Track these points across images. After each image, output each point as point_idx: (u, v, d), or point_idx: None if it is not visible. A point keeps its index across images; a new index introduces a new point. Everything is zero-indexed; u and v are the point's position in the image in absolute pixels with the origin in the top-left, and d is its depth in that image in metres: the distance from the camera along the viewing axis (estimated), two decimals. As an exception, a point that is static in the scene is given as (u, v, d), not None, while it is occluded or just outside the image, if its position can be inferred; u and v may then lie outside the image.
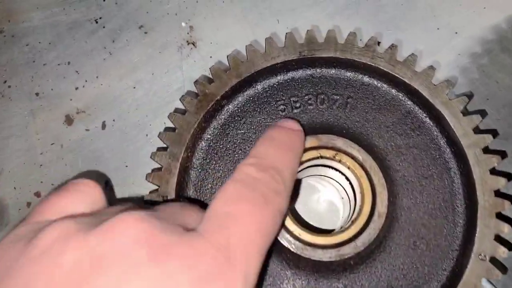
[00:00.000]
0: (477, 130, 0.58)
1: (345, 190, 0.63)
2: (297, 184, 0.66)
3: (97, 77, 0.70)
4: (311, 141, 0.58)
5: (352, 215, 0.58)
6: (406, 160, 0.59)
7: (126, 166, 0.68)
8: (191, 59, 0.71)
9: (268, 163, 0.46)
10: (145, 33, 0.74)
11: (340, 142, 0.58)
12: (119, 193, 0.67)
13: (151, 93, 0.70)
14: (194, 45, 0.74)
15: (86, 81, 0.71)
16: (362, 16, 0.72)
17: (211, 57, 0.71)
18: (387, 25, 0.72)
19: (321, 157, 0.58)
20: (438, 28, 0.72)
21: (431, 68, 0.60)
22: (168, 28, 0.75)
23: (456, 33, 0.72)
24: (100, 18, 0.74)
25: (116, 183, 0.68)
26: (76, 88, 0.71)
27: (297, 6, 0.75)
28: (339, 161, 0.58)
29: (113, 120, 0.70)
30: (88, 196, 0.41)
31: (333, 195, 0.68)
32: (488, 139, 0.57)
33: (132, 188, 0.67)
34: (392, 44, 0.61)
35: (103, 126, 0.69)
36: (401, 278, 0.55)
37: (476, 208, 0.55)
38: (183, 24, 0.76)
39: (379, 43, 0.63)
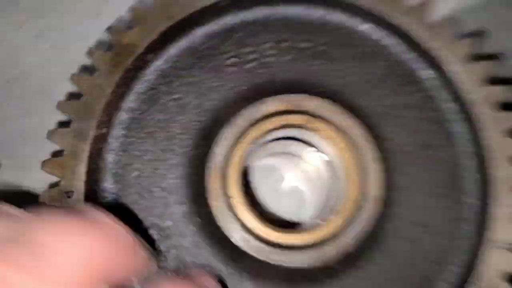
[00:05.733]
0: (490, 80, 0.44)
1: (318, 170, 0.48)
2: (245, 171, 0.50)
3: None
4: (273, 104, 0.42)
5: (333, 203, 0.44)
6: (399, 124, 0.45)
7: (26, 143, 0.55)
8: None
9: None
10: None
11: (313, 104, 0.42)
12: (13, 178, 0.54)
13: (60, 46, 0.56)
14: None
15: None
16: None
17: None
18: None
19: (287, 126, 0.42)
20: None
21: (425, 4, 0.46)
22: None
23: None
24: None
25: (10, 165, 0.54)
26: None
27: None
28: (313, 130, 0.42)
29: (7, 82, 0.56)
30: None
31: (298, 178, 0.52)
32: (506, 91, 0.44)
33: (31, 175, 0.51)
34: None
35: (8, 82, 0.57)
36: (400, 280, 0.42)
37: (491, 183, 0.42)
38: None
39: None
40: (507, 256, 0.42)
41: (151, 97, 0.45)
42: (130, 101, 0.44)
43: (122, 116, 0.44)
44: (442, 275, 0.43)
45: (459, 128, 0.46)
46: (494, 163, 0.44)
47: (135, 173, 0.44)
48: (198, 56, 0.46)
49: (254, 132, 0.42)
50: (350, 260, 0.41)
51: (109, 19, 0.55)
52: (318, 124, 0.42)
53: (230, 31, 0.46)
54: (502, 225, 0.42)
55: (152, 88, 0.45)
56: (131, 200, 0.43)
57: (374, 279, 0.42)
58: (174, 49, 0.45)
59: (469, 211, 0.44)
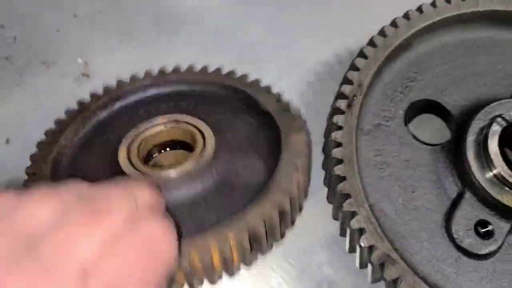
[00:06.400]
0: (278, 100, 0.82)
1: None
2: None
3: (5, 102, 0.90)
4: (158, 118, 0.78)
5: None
6: (236, 128, 0.79)
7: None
8: (85, 88, 0.90)
9: None
10: (48, 67, 0.94)
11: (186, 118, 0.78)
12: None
13: (51, 115, 0.85)
14: (88, 76, 0.93)
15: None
16: (220, 54, 0.97)
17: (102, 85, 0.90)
18: (240, 60, 0.95)
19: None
20: (280, 63, 0.96)
21: (244, 75, 0.87)
22: (67, 63, 0.93)
23: (296, 66, 0.96)
24: (10, 55, 0.95)
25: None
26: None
27: (176, 49, 0.99)
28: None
29: (17, 137, 0.86)
30: None
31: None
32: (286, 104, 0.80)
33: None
34: (204, 66, 0.89)
35: (7, 141, 0.86)
36: (231, 177, 0.71)
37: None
38: (79, 60, 0.97)
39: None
40: (283, 194, 0.66)
41: (97, 130, 0.81)
42: (84, 132, 0.81)
43: (78, 139, 0.80)
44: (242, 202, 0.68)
45: (267, 129, 0.79)
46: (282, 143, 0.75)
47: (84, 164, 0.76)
48: (124, 113, 0.84)
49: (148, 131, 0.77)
50: (201, 168, 0.70)
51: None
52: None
53: (144, 102, 0.86)
54: (282, 175, 0.68)
55: (99, 125, 0.82)
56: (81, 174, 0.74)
57: (215, 176, 0.70)
58: (110, 109, 0.84)
59: (265, 166, 0.70)
